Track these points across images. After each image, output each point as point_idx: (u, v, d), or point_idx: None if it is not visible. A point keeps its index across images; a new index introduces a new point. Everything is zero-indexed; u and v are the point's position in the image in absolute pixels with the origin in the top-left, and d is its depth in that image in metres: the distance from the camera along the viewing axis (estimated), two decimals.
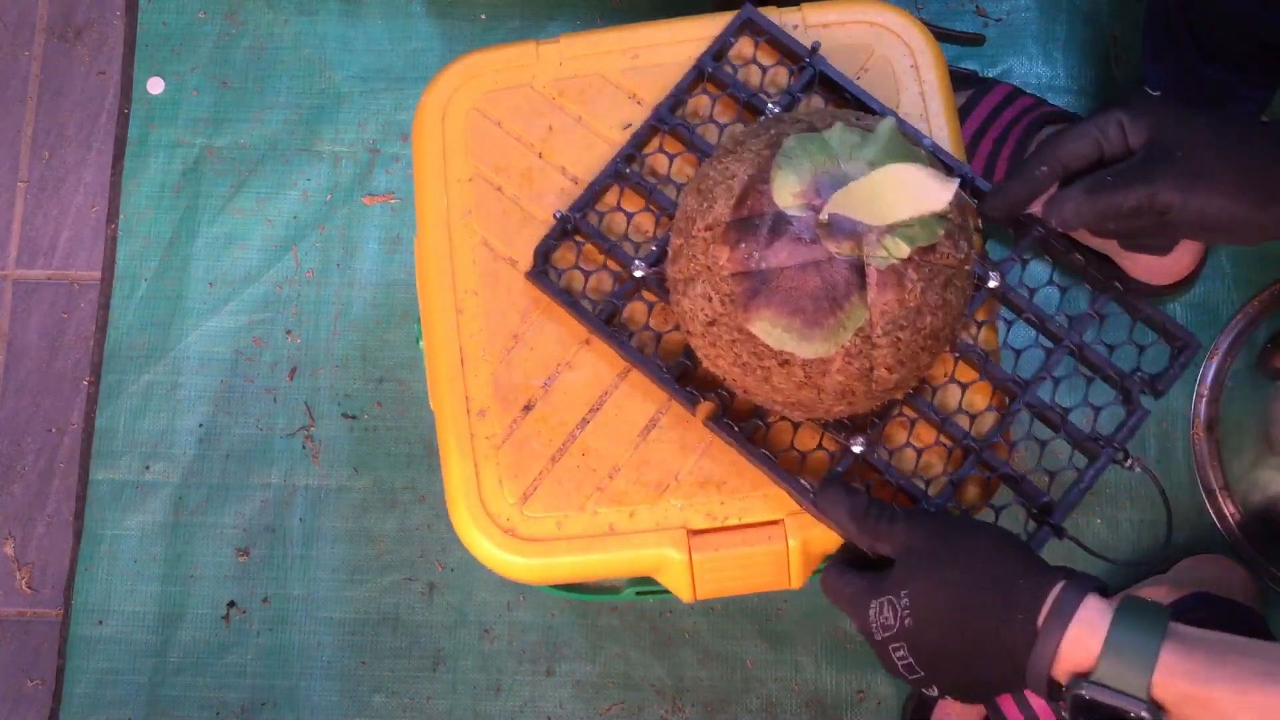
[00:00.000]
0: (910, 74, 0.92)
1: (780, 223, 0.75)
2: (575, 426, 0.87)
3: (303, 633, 1.31)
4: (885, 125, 0.77)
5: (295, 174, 1.40)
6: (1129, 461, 0.82)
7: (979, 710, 1.21)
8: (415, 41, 1.43)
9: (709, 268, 0.77)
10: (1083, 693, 0.67)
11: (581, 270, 0.88)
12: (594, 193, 0.89)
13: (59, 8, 1.46)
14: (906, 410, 0.85)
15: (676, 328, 0.86)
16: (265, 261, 1.38)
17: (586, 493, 0.85)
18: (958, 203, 0.76)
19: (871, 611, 0.74)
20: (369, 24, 1.43)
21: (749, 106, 0.90)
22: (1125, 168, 0.75)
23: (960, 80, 1.34)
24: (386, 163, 1.40)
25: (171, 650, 1.31)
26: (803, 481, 0.82)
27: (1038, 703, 1.17)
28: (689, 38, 0.93)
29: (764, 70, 0.91)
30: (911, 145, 0.78)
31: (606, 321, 0.86)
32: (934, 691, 0.73)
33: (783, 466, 0.82)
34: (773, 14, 0.93)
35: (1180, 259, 1.30)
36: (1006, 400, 0.85)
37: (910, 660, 0.72)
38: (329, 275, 1.38)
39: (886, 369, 0.76)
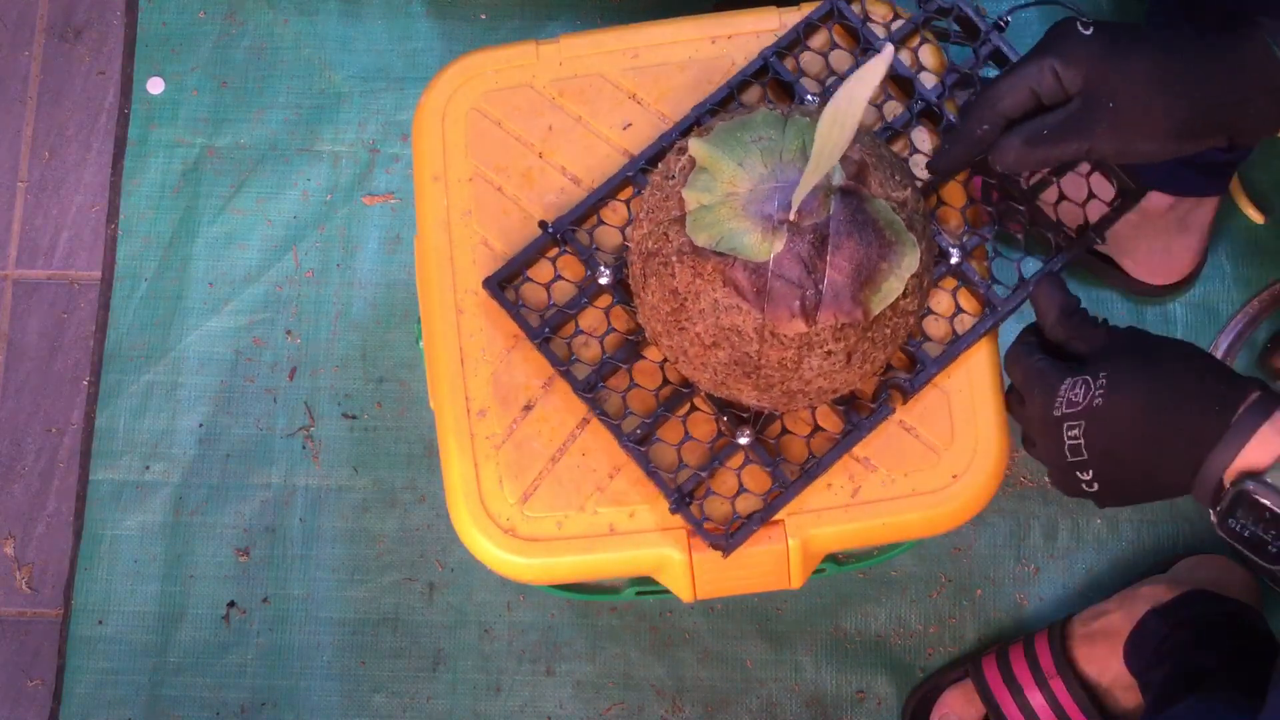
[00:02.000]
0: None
1: (788, 258, 0.74)
2: (575, 426, 0.87)
3: (303, 633, 1.31)
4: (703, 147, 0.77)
5: (295, 174, 1.40)
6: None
7: (979, 710, 1.21)
8: (415, 41, 1.43)
9: (807, 344, 0.76)
10: (1250, 488, 0.69)
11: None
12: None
13: (59, 8, 1.46)
14: None
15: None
16: (265, 261, 1.38)
17: (586, 493, 0.86)
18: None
19: (1063, 387, 0.76)
20: (369, 24, 1.43)
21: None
22: (1061, 121, 0.78)
23: None
24: (386, 163, 1.40)
25: (171, 650, 1.31)
26: (1018, 284, 0.86)
27: (1037, 701, 1.17)
28: (689, 38, 0.93)
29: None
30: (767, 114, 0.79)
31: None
32: (1088, 482, 0.76)
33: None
34: (773, 14, 0.93)
35: (1180, 259, 1.30)
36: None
37: (1081, 442, 0.75)
38: (329, 275, 1.38)
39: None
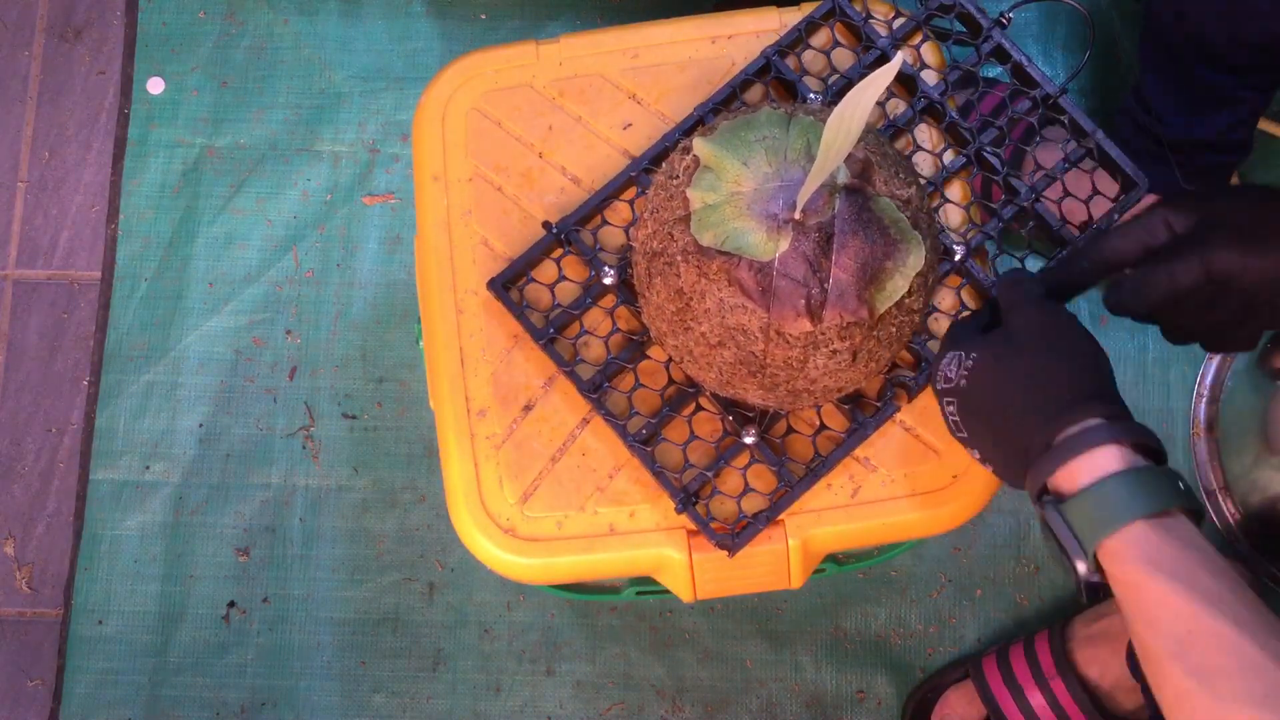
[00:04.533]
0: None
1: (793, 257, 0.74)
2: (575, 426, 0.87)
3: (303, 633, 1.31)
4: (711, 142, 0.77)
5: (295, 174, 1.40)
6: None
7: (979, 710, 1.21)
8: (415, 41, 1.43)
9: (812, 343, 0.76)
10: (1046, 511, 0.70)
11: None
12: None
13: (59, 8, 1.46)
14: None
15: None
16: (265, 261, 1.38)
17: (586, 493, 0.85)
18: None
19: (944, 360, 0.77)
20: (369, 24, 1.43)
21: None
22: (1176, 241, 0.75)
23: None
24: (386, 163, 1.40)
25: (171, 650, 1.31)
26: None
27: (1037, 702, 1.17)
28: (689, 37, 0.93)
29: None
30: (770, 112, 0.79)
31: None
32: (974, 453, 0.77)
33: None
34: (773, 14, 0.93)
35: None
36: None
37: (957, 419, 0.76)
38: (329, 275, 1.38)
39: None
